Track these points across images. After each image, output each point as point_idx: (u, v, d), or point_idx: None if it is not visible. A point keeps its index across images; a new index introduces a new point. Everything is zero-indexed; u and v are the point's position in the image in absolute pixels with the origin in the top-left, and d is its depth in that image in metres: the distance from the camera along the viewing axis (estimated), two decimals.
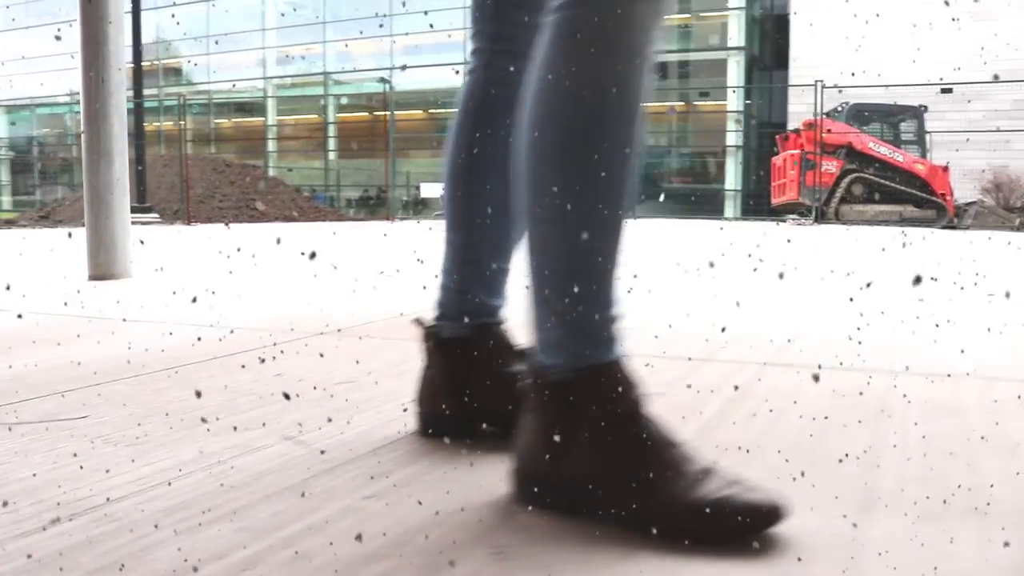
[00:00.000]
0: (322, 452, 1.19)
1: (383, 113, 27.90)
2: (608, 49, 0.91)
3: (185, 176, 14.02)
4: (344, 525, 0.93)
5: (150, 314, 2.67)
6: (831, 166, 14.52)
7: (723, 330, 2.27)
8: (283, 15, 28.75)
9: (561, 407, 0.94)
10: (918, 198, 14.45)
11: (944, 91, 15.90)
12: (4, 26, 33.86)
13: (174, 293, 3.20)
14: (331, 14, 27.82)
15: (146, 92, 31.89)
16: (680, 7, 25.73)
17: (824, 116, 14.98)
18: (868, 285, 2.29)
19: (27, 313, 2.70)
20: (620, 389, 0.93)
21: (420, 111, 28.53)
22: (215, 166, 16.01)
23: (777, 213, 15.79)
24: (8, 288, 3.46)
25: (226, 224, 12.73)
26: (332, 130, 28.01)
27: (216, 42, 29.49)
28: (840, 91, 15.38)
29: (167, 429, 1.33)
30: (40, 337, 2.24)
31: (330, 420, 1.38)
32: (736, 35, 23.48)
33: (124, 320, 2.52)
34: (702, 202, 21.65)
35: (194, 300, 2.98)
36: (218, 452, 1.21)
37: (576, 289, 0.93)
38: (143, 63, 30.22)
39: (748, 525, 0.86)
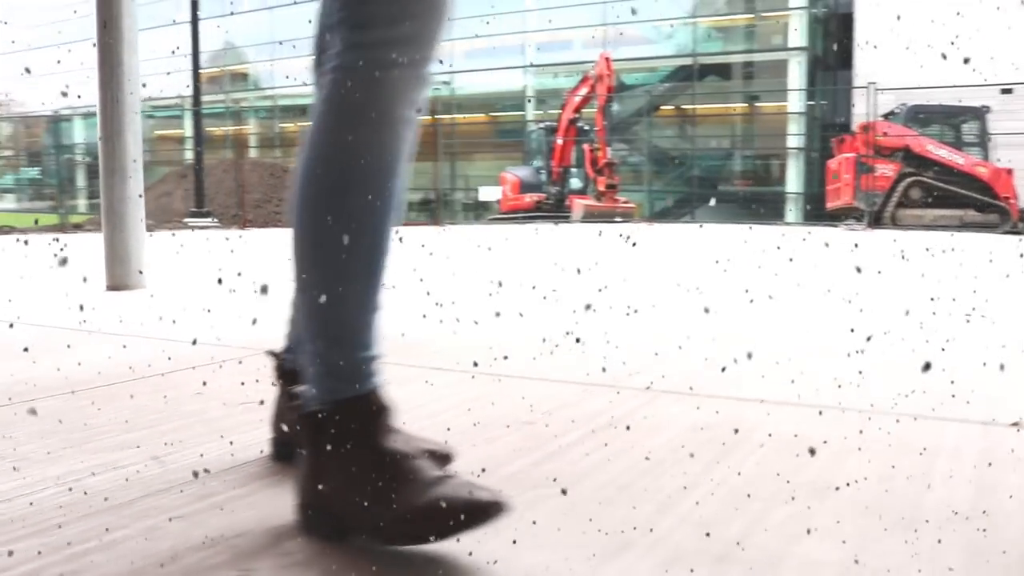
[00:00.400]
0: (195, 474, 1.30)
1: (443, 116, 28.24)
2: (362, 114, 1.00)
3: (241, 181, 14.41)
4: (128, 546, 1.03)
5: (134, 328, 2.82)
6: (888, 169, 14.24)
7: (724, 370, 2.32)
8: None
9: (318, 438, 1.03)
10: (980, 202, 14.08)
11: (1004, 91, 15.46)
12: (80, 35, 34.98)
13: (177, 306, 3.36)
14: None
15: (213, 98, 32.81)
16: (743, 6, 25.52)
17: (881, 118, 14.70)
18: (868, 340, 2.29)
19: (32, 322, 2.89)
20: (370, 419, 1.02)
21: (481, 114, 28.77)
22: (272, 171, 16.44)
23: (834, 217, 15.55)
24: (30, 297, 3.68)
25: (240, 227, 13.03)
26: None
27: (280, 43, 30.08)
28: (899, 92, 15.07)
29: (58, 445, 1.46)
30: (24, 347, 2.40)
31: (223, 438, 1.48)
32: (798, 35, 23.14)
33: (92, 333, 2.68)
34: (763, 205, 21.39)
35: (183, 311, 3.13)
36: (80, 470, 1.32)
37: (329, 332, 1.02)
38: (211, 69, 31.07)
39: (471, 520, 0.94)
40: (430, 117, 28.80)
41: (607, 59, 16.17)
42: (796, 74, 22.85)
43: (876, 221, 13.92)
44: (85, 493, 1.21)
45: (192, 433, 1.54)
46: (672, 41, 24.28)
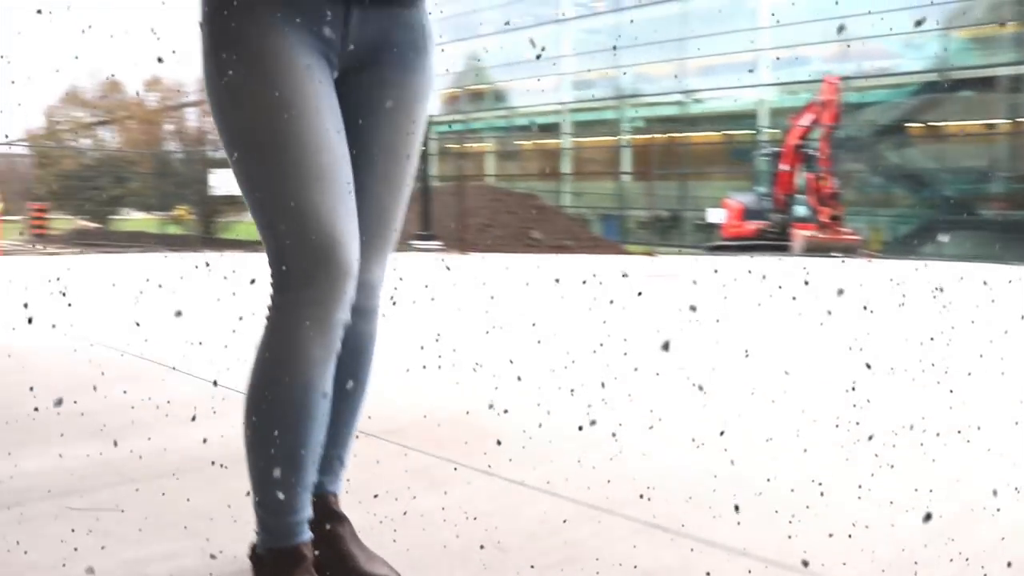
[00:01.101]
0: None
1: (679, 135, 28.24)
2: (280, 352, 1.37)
3: (463, 205, 15.23)
4: None
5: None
6: None
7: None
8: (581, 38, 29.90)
9: (260, 572, 1.43)
10: None
11: None
12: None
13: None
14: (626, 39, 28.53)
15: (456, 117, 34.47)
16: (1015, 11, 23.65)
17: None
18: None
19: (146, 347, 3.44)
20: (293, 565, 1.38)
21: (715, 132, 28.52)
22: (495, 195, 17.24)
23: None
24: (178, 314, 4.29)
25: (461, 252, 13.66)
26: (626, 153, 28.75)
27: (540, 52, 31.18)
28: None
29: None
30: (95, 375, 2.88)
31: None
32: None
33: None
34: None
35: None
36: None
37: (267, 499, 1.39)
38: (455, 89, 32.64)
39: None
40: (664, 136, 28.95)
41: (832, 84, 15.65)
42: None
43: None
44: None
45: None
46: (920, 53, 22.96)
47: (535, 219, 16.60)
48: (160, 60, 1.88)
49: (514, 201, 17.25)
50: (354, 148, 1.37)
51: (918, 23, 21.98)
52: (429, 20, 1.48)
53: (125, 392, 3.09)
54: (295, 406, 1.33)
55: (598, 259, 12.23)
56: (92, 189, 27.77)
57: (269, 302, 1.33)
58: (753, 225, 16.89)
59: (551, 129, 31.55)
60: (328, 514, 1.51)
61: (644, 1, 27.71)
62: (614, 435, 2.53)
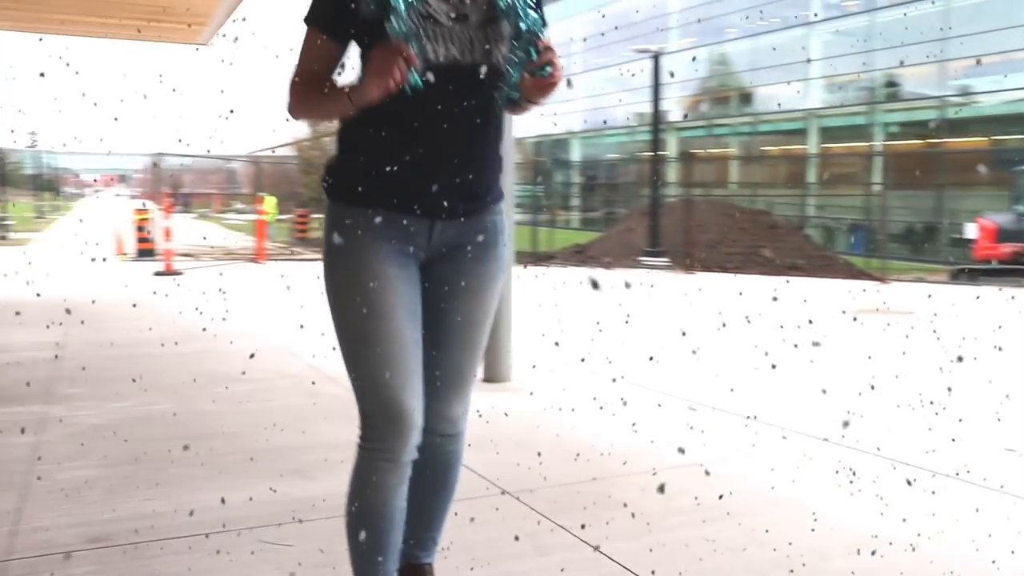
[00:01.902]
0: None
1: (937, 140, 26.63)
2: None
3: (693, 221, 15.30)
4: None
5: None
6: None
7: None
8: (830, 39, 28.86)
9: None
10: None
11: None
12: (581, 68, 38.87)
13: (502, 413, 4.27)
14: (881, 39, 27.25)
15: (698, 123, 34.34)
16: None
17: None
18: None
19: None
20: None
21: (982, 137, 26.68)
22: (727, 211, 17.17)
23: None
24: None
25: (685, 270, 13.65)
26: (878, 161, 27.47)
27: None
28: None
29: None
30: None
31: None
32: None
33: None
34: None
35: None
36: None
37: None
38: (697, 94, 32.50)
39: None
40: (922, 141, 27.36)
41: None
42: None
43: None
44: None
45: None
46: None
47: (767, 236, 16.39)
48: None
49: (747, 217, 17.10)
50: (435, 320, 1.83)
51: None
52: (502, 214, 1.89)
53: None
54: (375, 518, 1.81)
55: (824, 284, 11.99)
56: None
57: (358, 440, 1.80)
58: (1008, 248, 15.76)
59: (797, 134, 30.70)
60: None
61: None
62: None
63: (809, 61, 29.17)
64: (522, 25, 1.71)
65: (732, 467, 3.38)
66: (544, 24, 1.74)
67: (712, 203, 18.00)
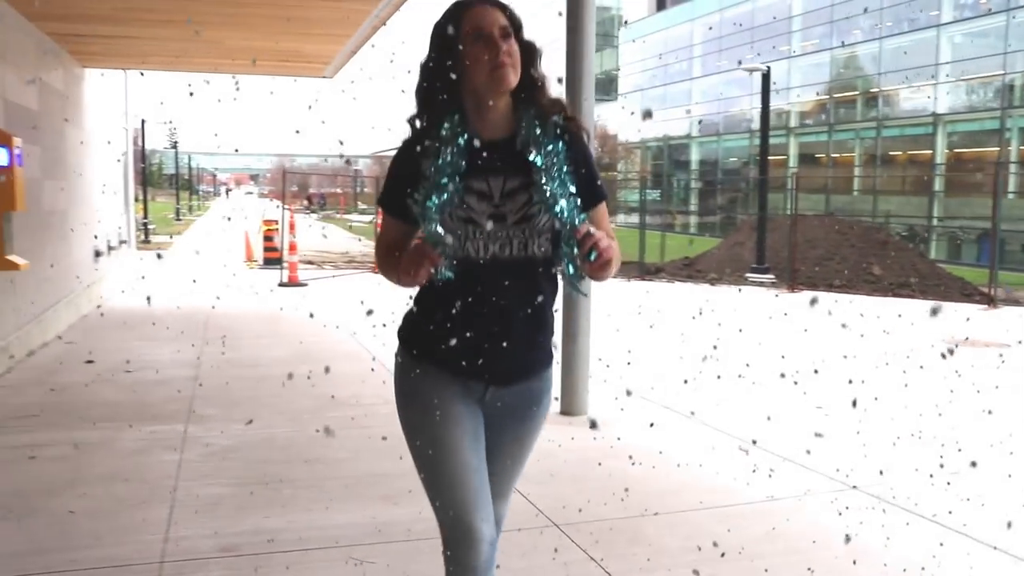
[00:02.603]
0: None
1: None
2: None
3: (799, 237, 15.44)
4: None
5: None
6: None
7: None
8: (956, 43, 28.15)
9: None
10: None
11: None
12: (700, 72, 38.75)
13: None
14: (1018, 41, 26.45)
15: (820, 127, 33.87)
16: None
17: None
18: None
19: None
20: None
21: None
22: (838, 226, 17.21)
23: None
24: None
25: (789, 289, 13.77)
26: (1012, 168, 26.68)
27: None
28: None
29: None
30: None
31: None
32: None
33: None
34: None
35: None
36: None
37: None
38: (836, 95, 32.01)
39: None
40: None
41: None
42: None
43: None
44: None
45: None
46: None
47: (877, 252, 16.38)
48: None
49: (857, 234, 17.11)
50: (490, 451, 2.10)
51: None
52: (550, 380, 2.14)
53: None
54: None
55: (927, 306, 11.97)
56: None
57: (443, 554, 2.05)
58: None
59: (924, 139, 30.05)
60: None
61: None
62: None
63: (938, 64, 28.54)
64: (557, 225, 1.90)
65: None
66: (579, 211, 1.91)
67: (823, 217, 18.06)
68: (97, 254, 10.33)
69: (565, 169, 1.93)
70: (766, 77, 16.84)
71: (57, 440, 4.73)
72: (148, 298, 10.25)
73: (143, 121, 17.70)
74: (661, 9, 44.77)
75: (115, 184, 12.19)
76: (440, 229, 1.85)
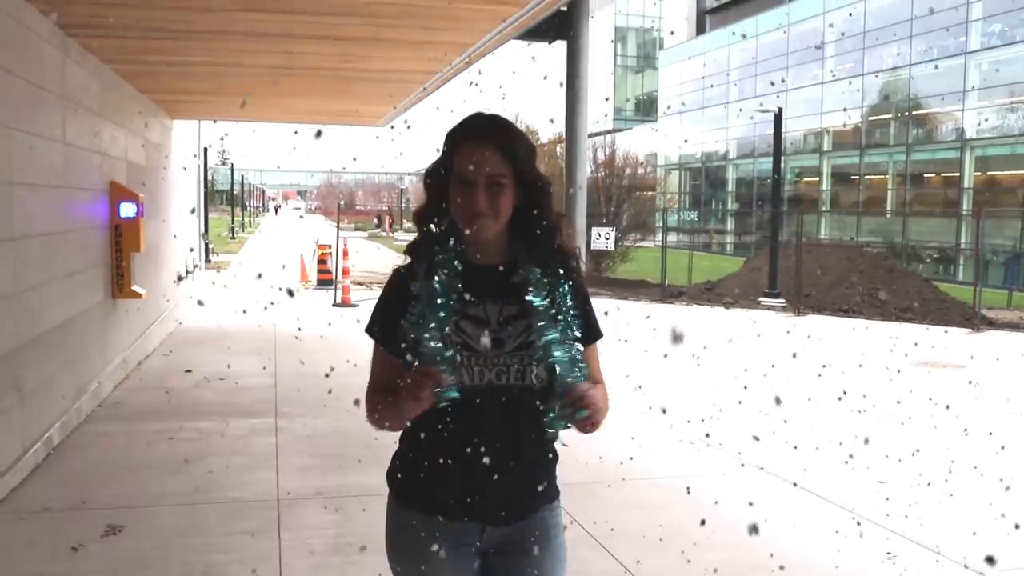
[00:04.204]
0: None
1: None
2: None
3: (804, 265, 16.89)
4: None
5: None
6: None
7: None
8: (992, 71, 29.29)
9: None
10: None
11: None
12: (737, 96, 40.09)
13: None
14: None
15: (851, 151, 35.12)
16: None
17: None
18: None
19: None
20: None
21: None
22: (848, 253, 18.71)
23: None
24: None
25: (795, 313, 15.19)
26: None
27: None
28: None
29: None
30: None
31: None
32: None
33: None
34: None
35: None
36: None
37: None
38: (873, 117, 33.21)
39: None
40: None
41: None
42: None
43: None
44: None
45: None
46: None
47: (883, 279, 17.82)
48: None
49: (866, 260, 18.61)
50: None
51: None
52: (557, 510, 2.01)
53: None
54: None
55: (927, 332, 13.20)
56: None
57: None
58: None
59: (953, 163, 31.23)
60: None
61: None
62: None
63: (967, 91, 29.79)
64: (556, 382, 1.79)
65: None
66: (578, 365, 1.82)
67: (835, 245, 19.55)
68: (179, 278, 12.25)
69: (572, 313, 1.89)
70: (778, 118, 18.41)
71: (184, 428, 6.55)
72: (218, 324, 12.08)
73: (205, 149, 19.62)
74: (700, 33, 46.46)
75: (190, 214, 14.13)
76: (439, 345, 1.79)
